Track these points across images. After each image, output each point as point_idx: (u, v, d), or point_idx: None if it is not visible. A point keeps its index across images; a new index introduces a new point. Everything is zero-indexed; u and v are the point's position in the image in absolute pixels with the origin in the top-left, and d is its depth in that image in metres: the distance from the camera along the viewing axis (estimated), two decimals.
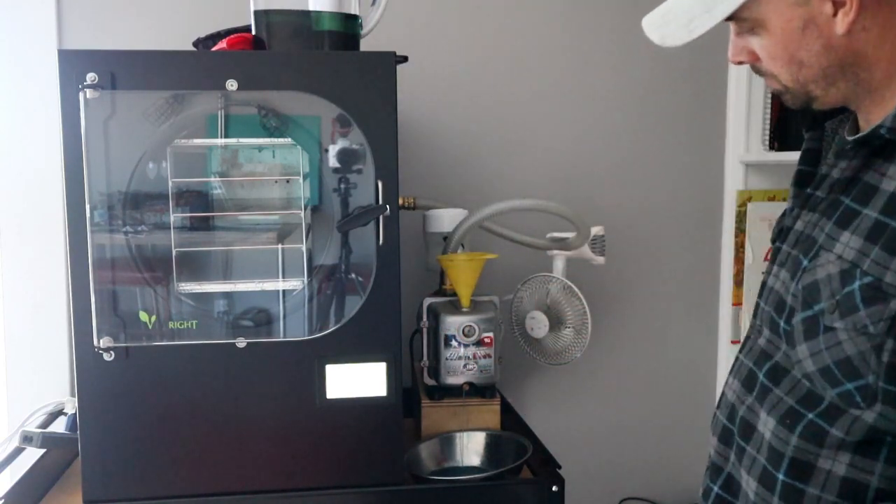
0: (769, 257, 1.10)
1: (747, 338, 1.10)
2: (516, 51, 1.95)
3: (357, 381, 1.32)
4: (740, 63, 0.98)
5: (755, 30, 0.93)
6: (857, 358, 0.87)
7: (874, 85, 0.92)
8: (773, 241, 1.11)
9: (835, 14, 0.88)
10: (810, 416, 0.93)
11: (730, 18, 0.93)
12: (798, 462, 0.94)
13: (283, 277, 1.34)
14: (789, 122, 2.01)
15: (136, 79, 1.24)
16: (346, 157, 1.32)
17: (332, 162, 1.32)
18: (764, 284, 1.06)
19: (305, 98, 1.28)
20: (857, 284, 0.87)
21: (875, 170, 0.90)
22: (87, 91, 1.22)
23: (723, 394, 1.12)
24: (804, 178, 1.04)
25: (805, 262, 0.94)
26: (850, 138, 0.95)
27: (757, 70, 0.98)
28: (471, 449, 1.58)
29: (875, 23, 0.88)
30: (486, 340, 1.59)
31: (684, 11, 0.94)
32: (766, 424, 0.98)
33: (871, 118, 0.94)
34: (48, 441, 1.45)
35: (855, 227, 0.89)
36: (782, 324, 0.98)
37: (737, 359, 1.11)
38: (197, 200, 1.35)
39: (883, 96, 0.92)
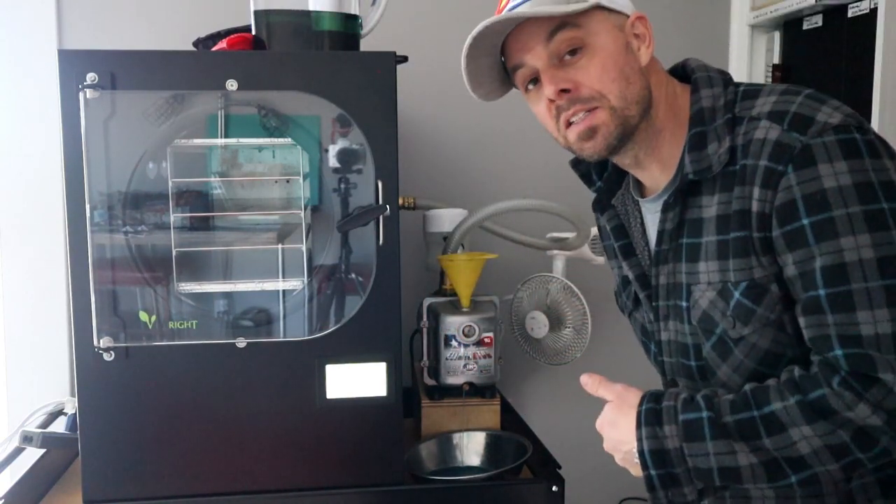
0: (634, 327, 1.20)
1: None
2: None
3: (357, 381, 1.32)
4: (562, 93, 1.00)
5: (583, 49, 0.99)
6: (774, 344, 0.98)
7: (657, 127, 1.04)
8: (630, 314, 1.20)
9: (638, 48, 1.02)
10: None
11: (557, 31, 0.98)
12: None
13: (283, 277, 1.34)
14: None
15: (136, 79, 1.24)
16: (346, 157, 1.32)
17: (332, 162, 1.32)
18: (658, 344, 1.12)
19: (305, 98, 1.28)
20: (737, 294, 0.98)
21: (692, 206, 1.03)
22: (87, 91, 1.22)
23: None
24: (628, 249, 1.15)
25: (685, 304, 1.04)
26: (667, 191, 1.05)
27: (574, 101, 1.00)
28: (471, 449, 1.58)
29: (656, 68, 1.05)
30: (486, 340, 1.59)
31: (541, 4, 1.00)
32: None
33: (653, 168, 1.06)
34: (48, 441, 1.45)
35: (704, 255, 1.01)
36: (693, 363, 1.06)
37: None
38: (197, 200, 1.35)
39: (660, 146, 1.05)
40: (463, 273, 1.61)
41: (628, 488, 2.14)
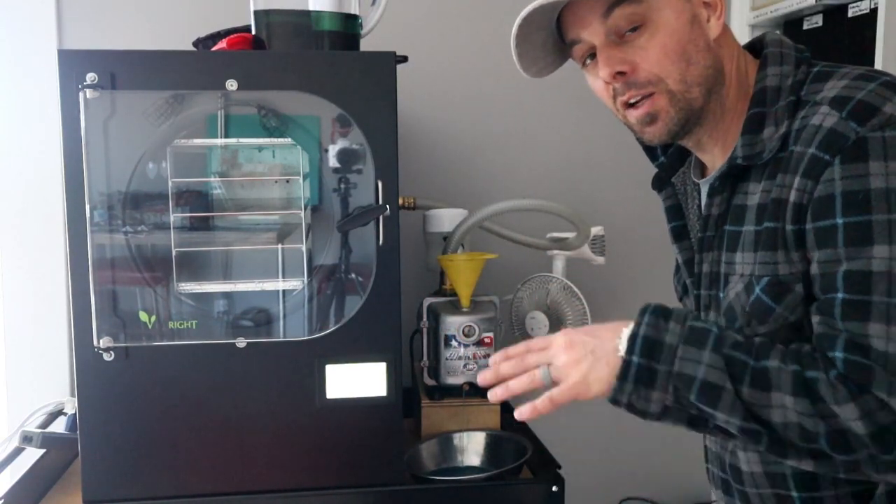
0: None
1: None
2: None
3: (357, 381, 1.32)
4: (618, 76, 0.95)
5: (644, 26, 0.93)
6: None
7: (727, 106, 0.98)
8: (680, 299, 1.16)
9: (708, 20, 0.95)
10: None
11: (616, 5, 0.92)
12: (800, 473, 0.96)
13: (283, 277, 1.34)
14: None
15: (136, 79, 1.24)
16: (346, 157, 1.32)
17: (332, 162, 1.32)
18: None
19: (305, 98, 1.28)
20: (757, 289, 0.93)
21: (740, 192, 0.98)
22: (87, 91, 1.22)
23: (706, 448, 1.16)
24: (680, 232, 1.11)
25: (721, 295, 1.00)
26: (713, 176, 1.01)
27: (630, 85, 0.95)
28: (471, 449, 1.58)
29: (725, 40, 0.98)
30: (486, 340, 1.59)
31: None
32: (749, 462, 1.02)
33: (714, 151, 1.01)
34: (48, 441, 1.45)
35: (741, 245, 0.96)
36: None
37: None
38: (197, 200, 1.35)
39: (727, 127, 0.99)
40: (463, 273, 1.61)
41: (628, 488, 2.14)
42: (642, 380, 0.90)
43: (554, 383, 0.97)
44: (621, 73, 0.95)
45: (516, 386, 1.00)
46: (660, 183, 1.12)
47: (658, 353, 0.90)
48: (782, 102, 0.93)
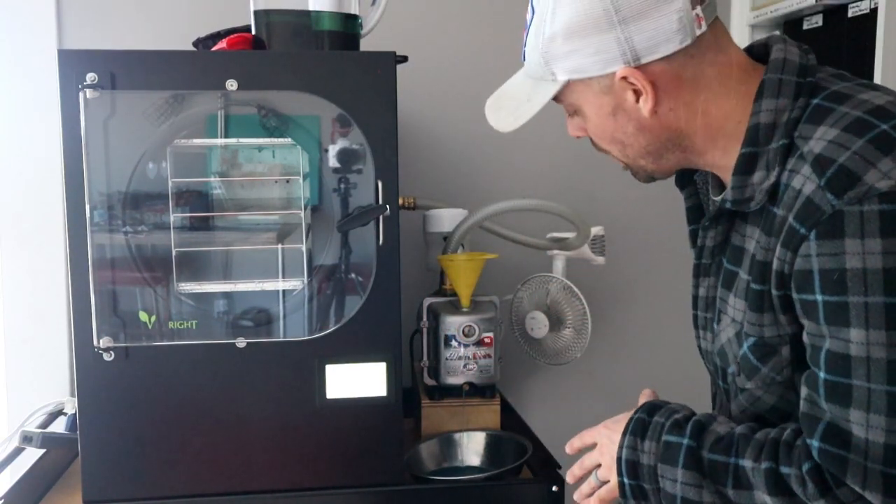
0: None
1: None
2: (516, 50, 1.94)
3: (357, 381, 1.32)
4: (579, 137, 1.01)
5: (578, 113, 0.97)
6: (781, 402, 0.94)
7: (700, 150, 0.95)
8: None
9: (637, 101, 0.91)
10: None
11: (556, 100, 0.97)
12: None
13: (283, 277, 1.34)
14: None
15: (136, 79, 1.24)
16: (346, 157, 1.32)
17: (332, 162, 1.32)
18: (699, 348, 1.11)
19: (305, 98, 1.28)
20: (745, 346, 0.93)
21: (738, 231, 0.96)
22: (87, 91, 1.22)
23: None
24: (696, 236, 1.09)
25: (716, 326, 1.00)
26: (707, 216, 1.01)
27: (596, 146, 1.02)
28: (471, 449, 1.58)
29: (679, 103, 0.92)
30: (486, 340, 1.59)
31: (510, 98, 1.00)
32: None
33: (723, 166, 0.96)
34: (48, 441, 1.45)
35: (735, 289, 0.95)
36: (720, 383, 1.04)
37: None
38: (197, 200, 1.35)
39: (723, 149, 0.94)
40: (463, 273, 1.61)
41: None
42: (637, 496, 0.97)
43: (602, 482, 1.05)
44: (580, 136, 1.01)
45: (586, 489, 1.08)
46: (682, 180, 1.10)
47: (641, 473, 0.96)
48: (774, 144, 0.88)
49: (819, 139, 0.84)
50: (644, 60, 0.89)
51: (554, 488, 1.36)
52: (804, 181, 0.83)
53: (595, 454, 1.04)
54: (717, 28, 0.92)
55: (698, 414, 0.96)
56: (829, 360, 0.82)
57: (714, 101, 0.92)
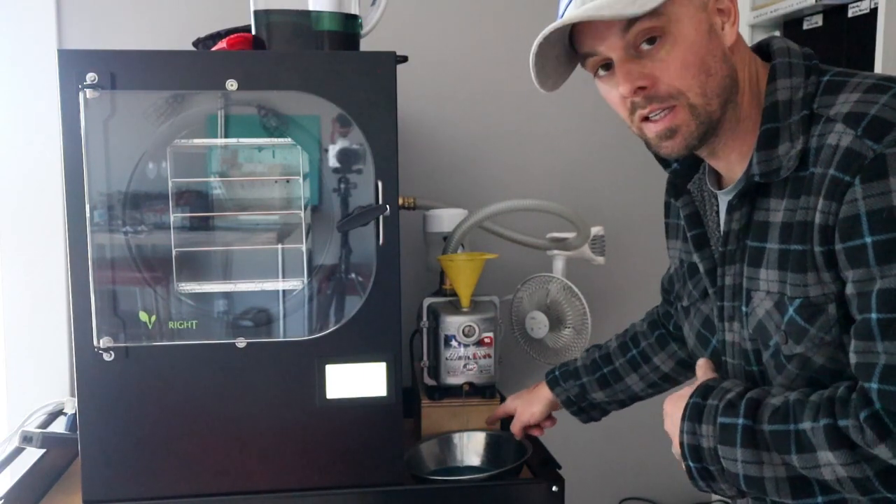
0: (693, 318, 1.16)
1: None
2: (516, 51, 1.94)
3: (357, 381, 1.32)
4: (638, 90, 0.94)
5: (663, 39, 0.92)
6: (830, 362, 0.94)
7: (742, 115, 0.98)
8: (694, 303, 1.15)
9: (723, 27, 0.95)
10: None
11: (636, 19, 0.90)
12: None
13: (283, 277, 1.34)
14: None
15: (136, 79, 1.24)
16: (346, 157, 1.32)
17: (332, 162, 1.32)
18: (721, 343, 1.09)
19: (305, 98, 1.28)
20: (791, 310, 0.94)
21: (760, 209, 0.99)
22: (87, 91, 1.22)
23: None
24: (701, 240, 1.10)
25: (745, 309, 1.01)
26: (731, 191, 1.01)
27: (651, 99, 0.94)
28: (471, 449, 1.58)
29: (740, 50, 0.98)
30: (486, 340, 1.59)
31: None
32: None
33: (731, 159, 1.01)
34: (48, 441, 1.45)
35: (766, 262, 0.97)
36: (755, 368, 1.03)
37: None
38: (197, 200, 1.34)
39: (741, 136, 0.98)
40: (463, 273, 1.61)
41: (628, 488, 2.14)
42: (705, 477, 0.98)
43: None
44: (642, 88, 0.93)
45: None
46: (675, 191, 1.12)
47: (703, 456, 0.97)
48: (795, 117, 0.92)
49: (844, 102, 0.89)
50: None
51: (554, 488, 1.36)
52: (839, 136, 0.87)
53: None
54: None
55: (751, 391, 0.97)
56: (882, 297, 0.83)
57: (749, 66, 0.98)
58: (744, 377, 1.05)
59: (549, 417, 1.53)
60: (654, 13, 0.90)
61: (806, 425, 0.88)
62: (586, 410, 1.47)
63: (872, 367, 0.85)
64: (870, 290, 0.85)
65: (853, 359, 0.87)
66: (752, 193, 0.98)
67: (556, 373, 1.48)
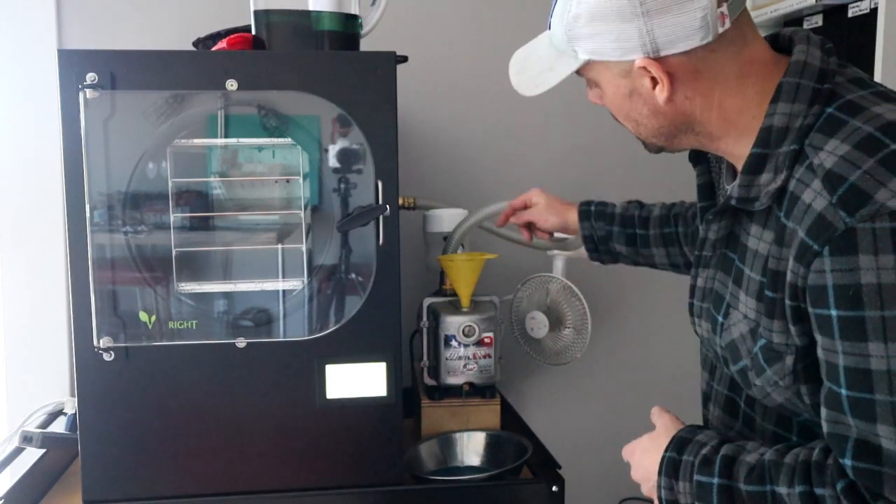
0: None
1: (709, 361, 1.15)
2: (516, 50, 1.95)
3: (357, 381, 1.32)
4: (597, 103, 1.03)
5: (598, 87, 0.99)
6: (788, 403, 0.95)
7: (715, 135, 0.97)
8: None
9: (653, 88, 0.93)
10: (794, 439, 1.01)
11: (577, 73, 0.98)
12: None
13: (283, 277, 1.34)
14: None
15: (136, 79, 1.24)
16: (345, 157, 1.32)
17: (332, 162, 1.32)
18: (696, 333, 1.11)
19: (305, 98, 1.28)
20: (757, 347, 0.94)
21: (743, 229, 0.98)
22: (87, 91, 1.22)
23: (707, 421, 1.17)
24: (706, 213, 1.08)
25: (721, 319, 1.01)
26: (713, 210, 1.01)
27: (613, 116, 1.03)
28: (471, 449, 1.58)
29: (695, 93, 0.93)
30: (486, 340, 1.59)
31: (535, 63, 1.01)
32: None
33: (735, 154, 0.98)
34: (48, 441, 1.45)
35: (746, 288, 0.96)
36: (726, 369, 1.04)
37: (708, 382, 1.16)
38: (197, 200, 1.35)
39: (736, 138, 0.96)
40: (463, 273, 1.61)
41: (628, 488, 2.13)
42: None
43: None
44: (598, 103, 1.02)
45: None
46: (696, 156, 1.10)
47: None
48: (785, 148, 0.89)
49: (830, 153, 0.85)
50: (663, 53, 0.90)
51: (554, 488, 1.37)
52: (815, 196, 0.84)
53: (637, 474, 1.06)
54: (743, 21, 0.92)
55: (725, 445, 0.95)
56: (849, 375, 0.82)
57: (731, 95, 0.93)
58: (713, 368, 1.09)
59: (550, 235, 1.54)
60: (585, 66, 0.96)
61: (782, 490, 0.87)
62: (601, 252, 1.47)
63: (845, 441, 0.84)
64: (835, 362, 0.84)
65: (825, 427, 0.87)
66: (731, 210, 0.98)
67: (592, 207, 1.46)
